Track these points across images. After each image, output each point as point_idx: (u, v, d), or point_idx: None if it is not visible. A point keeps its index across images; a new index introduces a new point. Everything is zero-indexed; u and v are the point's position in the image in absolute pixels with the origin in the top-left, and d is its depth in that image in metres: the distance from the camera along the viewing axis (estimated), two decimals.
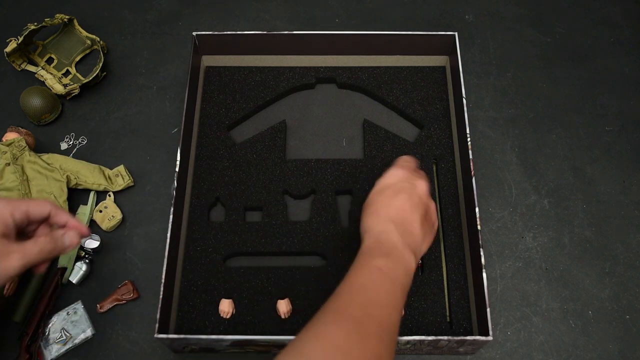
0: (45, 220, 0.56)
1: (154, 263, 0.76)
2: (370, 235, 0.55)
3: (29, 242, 0.52)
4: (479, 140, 0.85)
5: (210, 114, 0.83)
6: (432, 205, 0.60)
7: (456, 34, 0.80)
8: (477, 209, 0.68)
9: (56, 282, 0.73)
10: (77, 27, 0.92)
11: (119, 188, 0.80)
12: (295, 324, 0.69)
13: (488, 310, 0.62)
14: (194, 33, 0.81)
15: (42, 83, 0.89)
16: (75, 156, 0.83)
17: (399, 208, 0.56)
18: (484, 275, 0.64)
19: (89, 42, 0.92)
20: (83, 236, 0.57)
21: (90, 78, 0.86)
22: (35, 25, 0.86)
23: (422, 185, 0.58)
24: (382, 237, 0.54)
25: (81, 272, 0.74)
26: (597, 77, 0.91)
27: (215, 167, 0.79)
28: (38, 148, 0.82)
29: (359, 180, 0.78)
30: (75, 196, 0.80)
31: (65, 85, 0.87)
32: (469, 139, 0.72)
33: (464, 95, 0.76)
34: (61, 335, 0.71)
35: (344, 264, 0.72)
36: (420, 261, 0.73)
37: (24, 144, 0.77)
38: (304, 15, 0.98)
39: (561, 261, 0.77)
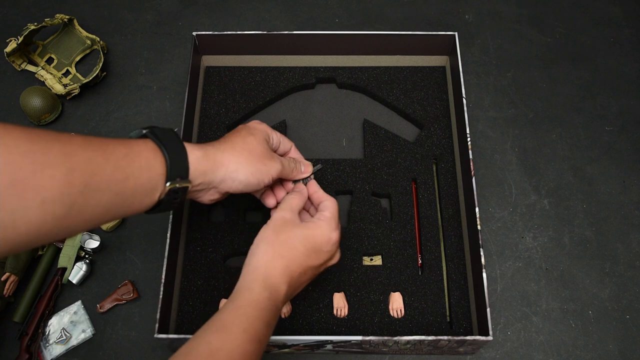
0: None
1: (154, 263, 0.76)
2: (267, 286, 0.51)
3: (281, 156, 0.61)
4: (479, 140, 0.85)
5: (210, 114, 0.83)
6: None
7: (456, 34, 0.80)
8: (477, 209, 0.68)
9: (56, 282, 0.73)
10: (77, 27, 0.92)
11: None
12: (295, 323, 0.70)
13: (488, 310, 0.62)
14: (194, 33, 0.81)
15: (42, 83, 0.89)
16: None
17: (302, 274, 0.55)
18: (484, 275, 0.64)
19: (89, 42, 0.92)
20: (307, 173, 0.64)
21: (90, 78, 0.86)
22: (35, 25, 0.86)
23: (336, 258, 0.59)
24: (275, 296, 0.52)
25: (81, 272, 0.74)
26: (597, 77, 0.91)
27: None
28: None
29: (359, 180, 0.78)
30: None
31: (65, 85, 0.87)
32: (469, 139, 0.72)
33: (464, 95, 0.76)
34: (61, 335, 0.71)
35: (343, 264, 0.72)
36: (420, 261, 0.73)
37: None
38: (304, 15, 0.98)
39: (561, 261, 0.77)
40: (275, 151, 0.63)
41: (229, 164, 0.54)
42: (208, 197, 0.57)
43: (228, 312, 0.49)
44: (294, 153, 0.65)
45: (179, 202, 0.52)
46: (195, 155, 0.52)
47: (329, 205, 0.59)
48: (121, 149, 0.47)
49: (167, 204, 0.51)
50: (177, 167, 0.50)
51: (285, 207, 0.58)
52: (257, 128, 0.60)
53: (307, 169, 0.64)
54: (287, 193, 0.63)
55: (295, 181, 0.64)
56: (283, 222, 0.56)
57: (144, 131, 0.51)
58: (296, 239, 0.55)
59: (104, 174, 0.44)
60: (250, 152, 0.56)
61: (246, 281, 0.52)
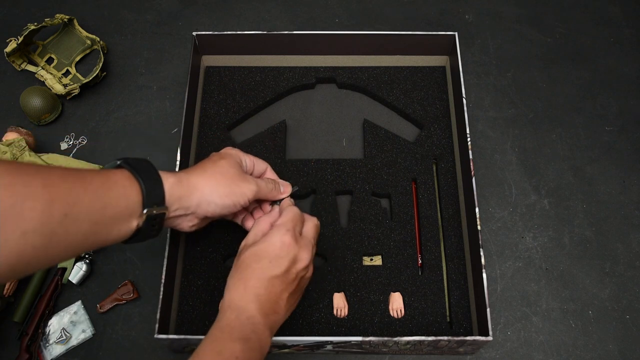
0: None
1: (154, 263, 0.76)
2: (232, 309, 0.53)
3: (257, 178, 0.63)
4: (479, 140, 0.85)
5: (210, 114, 0.83)
6: (309, 274, 0.59)
7: (456, 34, 0.80)
8: (477, 209, 0.68)
9: (56, 282, 0.73)
10: (77, 27, 0.92)
11: None
12: (295, 323, 0.70)
13: (488, 310, 0.62)
14: (194, 33, 0.81)
15: (42, 83, 0.89)
16: (75, 156, 0.83)
17: (269, 286, 0.54)
18: (484, 275, 0.64)
19: (89, 42, 0.92)
20: (287, 193, 0.66)
21: (90, 78, 0.86)
22: (35, 25, 0.86)
23: (303, 259, 0.56)
24: (243, 315, 0.52)
25: (81, 272, 0.74)
26: (597, 77, 0.91)
27: None
28: (38, 148, 0.82)
29: (359, 180, 0.78)
30: None
31: (65, 85, 0.87)
32: (469, 139, 0.72)
33: (464, 95, 0.76)
34: (61, 335, 0.71)
35: (343, 264, 0.72)
36: (420, 261, 0.73)
37: (24, 144, 0.77)
38: (304, 15, 0.98)
39: (561, 261, 0.77)
40: (250, 174, 0.64)
41: (203, 188, 0.56)
42: (187, 224, 0.59)
43: (200, 343, 0.51)
44: (270, 174, 0.67)
45: (157, 229, 0.54)
46: (170, 182, 0.53)
47: (284, 213, 0.60)
48: (98, 179, 0.48)
49: (145, 231, 0.53)
50: (153, 194, 0.52)
51: (250, 233, 0.60)
52: (229, 153, 0.62)
53: (286, 189, 0.66)
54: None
55: (272, 203, 0.66)
56: (241, 251, 0.58)
57: (118, 162, 0.53)
58: (248, 258, 0.56)
59: (82, 204, 0.45)
60: (222, 175, 0.58)
61: (216, 319, 0.53)
